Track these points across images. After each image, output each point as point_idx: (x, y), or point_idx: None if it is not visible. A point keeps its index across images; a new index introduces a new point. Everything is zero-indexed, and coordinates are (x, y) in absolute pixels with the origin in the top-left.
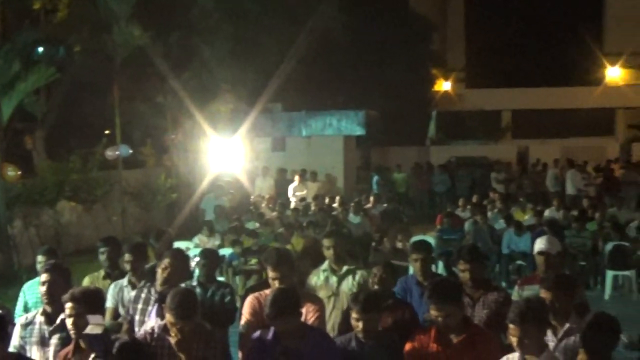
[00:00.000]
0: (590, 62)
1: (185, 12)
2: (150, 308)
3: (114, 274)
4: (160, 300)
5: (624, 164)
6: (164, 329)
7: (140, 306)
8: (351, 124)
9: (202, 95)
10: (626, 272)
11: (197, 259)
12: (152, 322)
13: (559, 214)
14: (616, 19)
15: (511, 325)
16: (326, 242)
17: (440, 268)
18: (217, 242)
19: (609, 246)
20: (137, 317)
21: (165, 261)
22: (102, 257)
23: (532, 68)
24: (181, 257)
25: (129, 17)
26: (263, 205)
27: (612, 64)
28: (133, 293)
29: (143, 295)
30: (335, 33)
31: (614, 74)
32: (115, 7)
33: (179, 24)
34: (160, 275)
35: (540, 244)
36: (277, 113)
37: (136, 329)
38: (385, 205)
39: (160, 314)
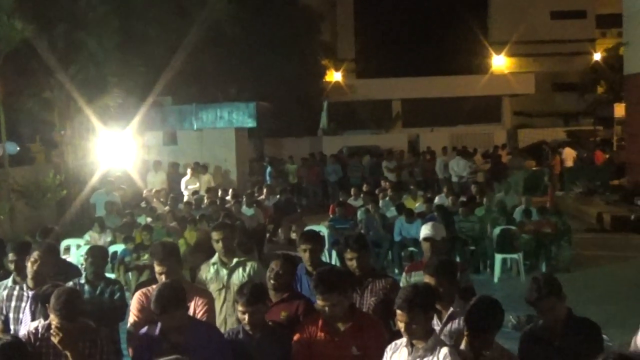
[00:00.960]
0: (476, 51)
1: (71, 5)
2: (23, 304)
3: None
4: (43, 300)
5: (510, 150)
6: (48, 329)
7: (13, 304)
8: (242, 116)
9: (90, 90)
10: (514, 255)
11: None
12: (28, 319)
13: (449, 201)
14: (501, 8)
15: (398, 311)
16: (215, 235)
17: (334, 257)
18: (109, 239)
19: (497, 230)
20: (11, 315)
21: (35, 254)
22: None
23: (421, 58)
24: (50, 251)
25: (11, 11)
26: (154, 199)
27: (498, 52)
28: (5, 292)
29: (15, 292)
30: (225, 25)
31: (500, 62)
32: None
33: (64, 17)
34: (30, 269)
35: (425, 231)
36: (167, 107)
37: (11, 326)
38: (278, 196)
39: (44, 314)
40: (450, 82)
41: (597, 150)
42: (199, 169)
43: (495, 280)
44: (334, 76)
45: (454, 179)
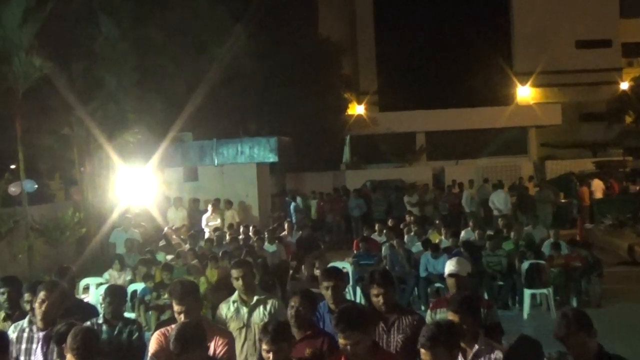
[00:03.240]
0: (501, 82)
1: (89, 41)
2: (34, 346)
3: (14, 315)
4: (58, 340)
5: (538, 182)
6: None
7: (23, 346)
8: (263, 151)
9: (109, 126)
10: (543, 290)
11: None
12: None
13: (475, 235)
14: (525, 38)
15: (422, 350)
16: (235, 273)
17: (358, 294)
18: (129, 277)
19: (525, 265)
20: (22, 359)
21: (41, 294)
22: (2, 298)
23: (444, 89)
24: (56, 289)
25: (29, 48)
26: (175, 237)
27: (523, 83)
28: (15, 334)
29: (25, 334)
30: (244, 60)
31: (525, 93)
32: (15, 37)
33: (83, 53)
34: (38, 309)
35: (450, 266)
36: (188, 142)
37: None
38: (300, 232)
39: (60, 354)
40: (475, 114)
41: (613, 182)
42: (224, 204)
43: (525, 316)
44: (356, 109)
45: (495, 213)
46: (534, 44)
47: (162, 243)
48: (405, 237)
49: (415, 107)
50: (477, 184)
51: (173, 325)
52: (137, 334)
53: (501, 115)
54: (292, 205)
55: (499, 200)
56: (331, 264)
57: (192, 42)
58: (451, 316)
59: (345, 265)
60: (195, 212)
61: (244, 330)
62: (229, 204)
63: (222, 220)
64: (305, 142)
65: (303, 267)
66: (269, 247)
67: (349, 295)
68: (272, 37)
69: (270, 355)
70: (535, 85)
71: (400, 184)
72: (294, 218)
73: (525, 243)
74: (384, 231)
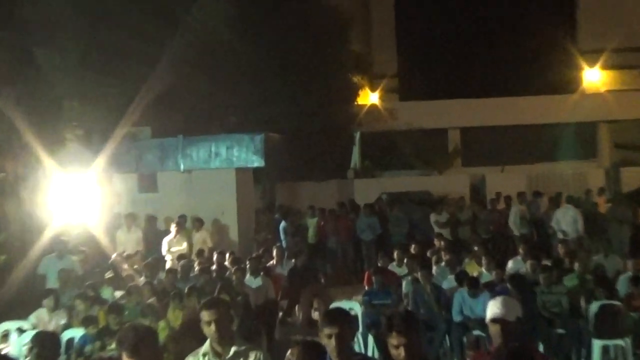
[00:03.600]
0: (561, 63)
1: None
2: None
3: None
4: None
5: (610, 196)
6: None
7: None
8: (246, 153)
9: (39, 118)
10: (618, 341)
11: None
12: None
13: (527, 266)
14: (593, 7)
15: None
16: (206, 315)
17: (370, 344)
18: (63, 321)
19: (595, 307)
20: None
21: None
22: None
23: (486, 73)
24: None
25: None
26: (126, 266)
27: (591, 64)
28: None
29: None
30: (222, 31)
31: (593, 77)
32: None
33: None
34: None
35: (493, 308)
36: (145, 140)
37: None
38: (294, 261)
39: None
40: (526, 105)
41: None
42: (192, 224)
43: None
44: (369, 98)
45: (559, 236)
46: (604, 15)
47: (108, 275)
48: (434, 268)
49: (447, 95)
50: (529, 198)
51: None
52: None
53: (562, 106)
54: (283, 224)
55: (567, 221)
56: (335, 304)
57: (155, 7)
58: None
59: (354, 306)
60: (153, 234)
61: None
62: (198, 223)
63: (190, 244)
64: (301, 141)
65: (297, 307)
66: (251, 281)
67: (357, 347)
68: (260, 4)
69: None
70: (607, 67)
71: (426, 197)
72: (285, 242)
73: (594, 277)
74: (405, 260)
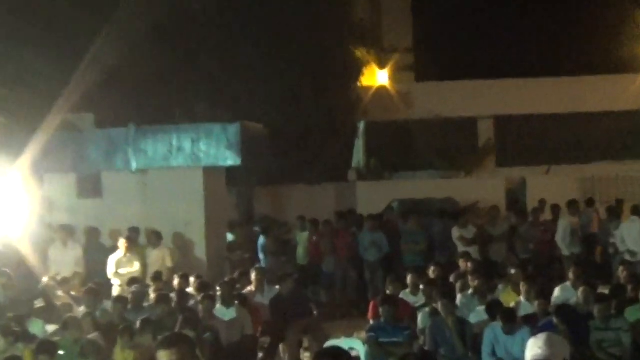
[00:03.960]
0: (627, 34)
1: None
2: None
3: None
4: None
5: None
6: None
7: None
8: (217, 147)
9: None
10: None
11: None
12: None
13: (578, 294)
14: None
15: None
16: (164, 357)
17: None
18: None
19: None
20: None
21: None
22: None
23: (528, 47)
24: None
25: None
26: (61, 293)
27: None
28: None
29: None
30: None
31: None
32: None
33: None
34: None
35: (534, 349)
36: (86, 131)
37: None
38: (278, 287)
39: None
40: (579, 88)
41: None
42: (148, 238)
43: None
44: (377, 78)
45: (626, 257)
46: None
47: (38, 304)
48: (458, 297)
49: (477, 75)
50: (582, 207)
51: None
52: None
53: (626, 90)
54: (264, 240)
55: (633, 237)
56: (331, 343)
57: None
58: None
59: (355, 345)
60: (96, 251)
61: None
62: (155, 237)
63: (144, 265)
64: (288, 132)
65: (282, 347)
66: (223, 313)
67: None
68: None
69: None
70: None
71: (450, 206)
72: (266, 263)
73: None
74: (422, 287)
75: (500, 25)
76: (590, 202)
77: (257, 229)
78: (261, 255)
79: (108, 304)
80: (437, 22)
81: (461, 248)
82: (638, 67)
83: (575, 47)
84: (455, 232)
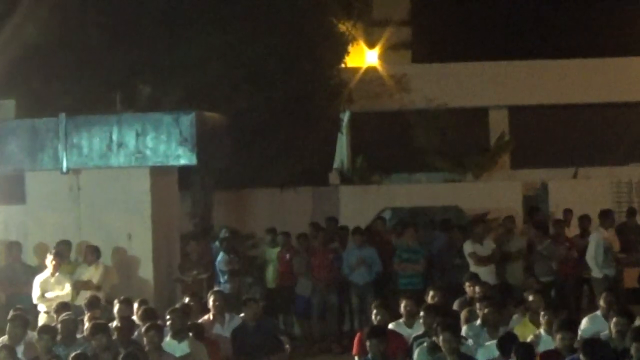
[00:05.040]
0: None
1: None
2: None
3: None
4: None
5: None
6: None
7: None
8: (167, 143)
9: None
10: None
11: None
12: None
13: (611, 326)
14: None
15: None
16: None
17: None
18: None
19: None
20: None
21: None
22: None
23: (552, 22)
24: None
25: None
26: None
27: None
28: None
29: None
30: None
31: None
32: None
33: None
34: None
35: None
36: (6, 122)
37: None
38: (241, 315)
39: None
40: (613, 72)
41: None
42: (82, 254)
43: None
44: (365, 58)
45: None
46: None
47: None
48: (464, 328)
49: (488, 54)
50: (618, 218)
51: None
52: None
53: None
54: (221, 256)
55: None
56: None
57: None
58: None
59: None
60: (17, 270)
61: None
62: (90, 253)
63: (76, 288)
64: (255, 124)
65: None
66: (174, 347)
67: None
68: None
69: None
70: None
71: (454, 216)
72: (228, 285)
73: None
74: (420, 315)
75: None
76: (631, 212)
77: (216, 243)
78: (220, 274)
79: (33, 335)
80: None
81: (473, 267)
82: None
83: (611, 21)
84: (468, 247)
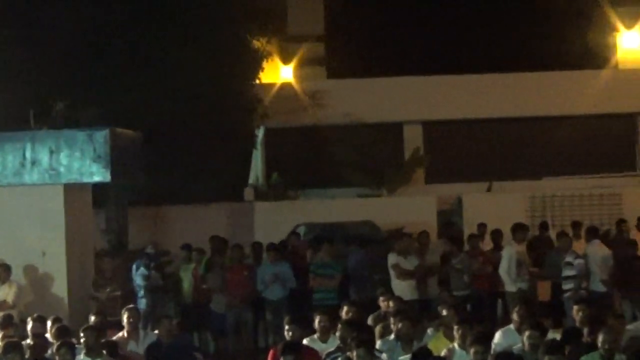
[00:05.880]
0: (583, 23)
1: None
2: None
3: None
4: None
5: None
6: None
7: None
8: (81, 160)
9: None
10: None
11: None
12: None
13: (524, 339)
14: None
15: None
16: None
17: None
18: None
19: None
20: None
21: None
22: None
23: (465, 38)
24: None
25: None
26: None
27: (628, 26)
28: None
29: None
30: None
31: (632, 43)
32: None
33: None
34: None
35: None
36: None
37: None
38: (157, 332)
39: None
40: (526, 87)
41: None
42: (2, 272)
43: None
44: (280, 74)
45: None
46: None
47: None
48: (378, 342)
49: (403, 70)
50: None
51: None
52: None
53: (582, 89)
54: (141, 271)
55: (594, 267)
56: None
57: None
58: None
59: None
60: None
61: None
62: (3, 271)
63: None
64: (169, 141)
65: None
66: None
67: None
68: None
69: None
70: None
71: (369, 231)
72: (143, 302)
73: (629, 357)
74: (335, 331)
75: (431, 11)
76: (543, 226)
77: (138, 262)
78: (138, 289)
79: None
80: (354, 6)
81: (394, 281)
82: (600, 61)
83: (525, 37)
84: (392, 259)
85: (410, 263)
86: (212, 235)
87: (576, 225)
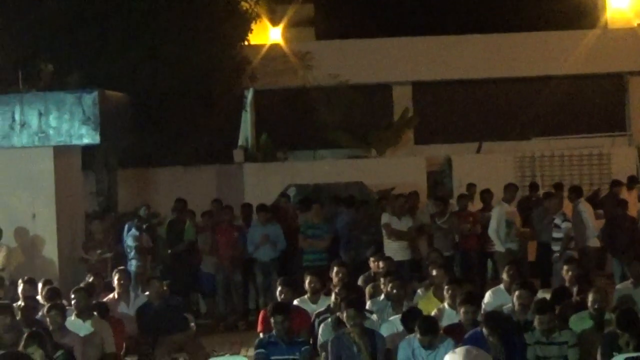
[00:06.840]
0: None
1: None
2: None
3: None
4: None
5: None
6: None
7: None
8: (70, 122)
9: None
10: None
11: None
12: None
13: (514, 299)
14: None
15: None
16: None
17: None
18: None
19: None
20: None
21: None
22: None
23: (451, 1)
24: None
25: None
26: None
27: None
28: None
29: None
30: None
31: (621, 3)
32: None
33: None
34: None
35: None
36: None
37: None
38: (147, 294)
39: None
40: (515, 48)
41: None
42: None
43: None
44: (269, 35)
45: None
46: None
47: None
48: (368, 303)
49: (391, 31)
50: (521, 192)
51: None
52: None
53: (570, 50)
54: (132, 232)
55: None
56: None
57: None
58: None
59: None
60: None
61: None
62: None
63: None
64: (158, 103)
65: None
66: (78, 326)
67: None
68: None
69: None
70: None
71: (359, 192)
72: (134, 263)
73: (618, 316)
74: (323, 291)
75: None
76: (533, 187)
77: (129, 223)
78: (128, 250)
79: None
80: None
81: (386, 241)
82: (590, 21)
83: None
84: (385, 218)
85: (403, 224)
86: (214, 199)
87: (558, 186)
